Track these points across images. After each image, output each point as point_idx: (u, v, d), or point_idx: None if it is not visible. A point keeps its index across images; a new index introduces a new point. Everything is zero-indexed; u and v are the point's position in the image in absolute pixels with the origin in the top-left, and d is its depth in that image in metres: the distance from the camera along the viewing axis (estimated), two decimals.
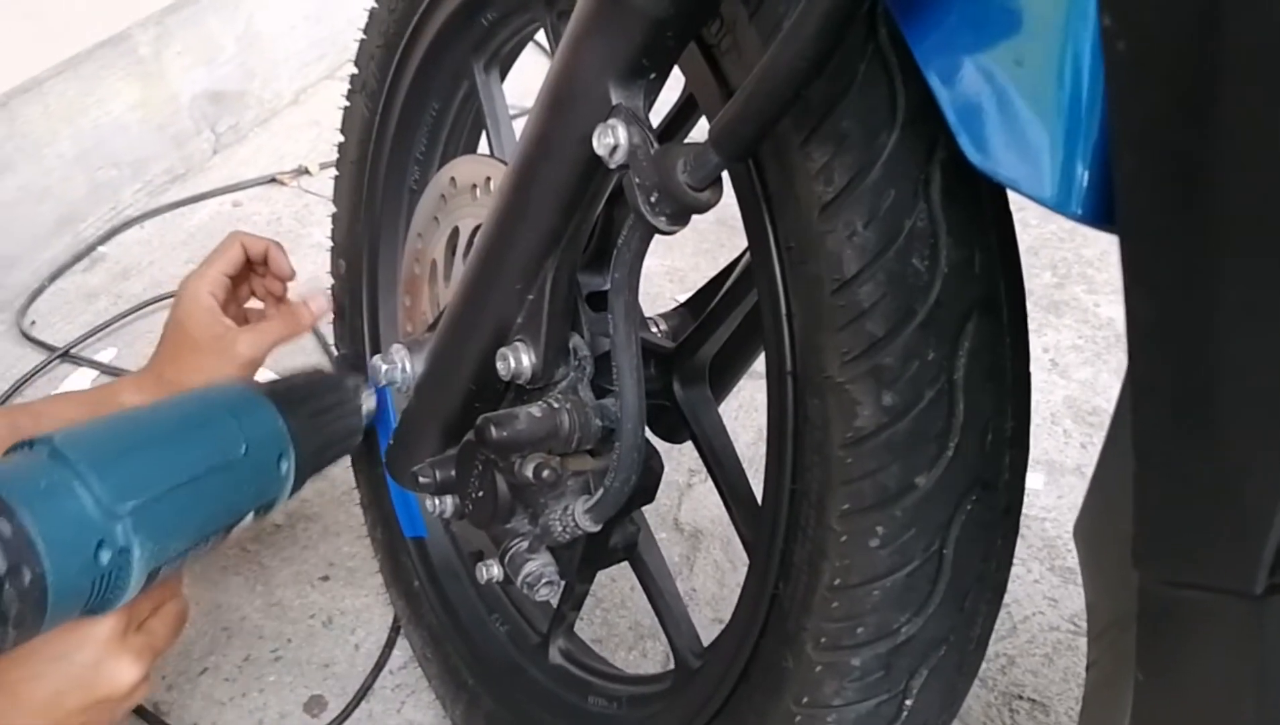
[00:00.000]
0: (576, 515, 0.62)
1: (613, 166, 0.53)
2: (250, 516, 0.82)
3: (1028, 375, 0.54)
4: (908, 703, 0.56)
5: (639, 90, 0.54)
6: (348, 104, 1.02)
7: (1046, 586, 1.15)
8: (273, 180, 1.87)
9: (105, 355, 1.50)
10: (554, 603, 0.90)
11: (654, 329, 0.82)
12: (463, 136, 1.00)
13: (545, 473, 0.62)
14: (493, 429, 0.62)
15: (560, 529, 0.63)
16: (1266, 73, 0.23)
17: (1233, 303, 0.28)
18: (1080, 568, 0.73)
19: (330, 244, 1.11)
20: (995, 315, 0.52)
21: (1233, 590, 0.34)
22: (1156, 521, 0.36)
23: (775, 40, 0.45)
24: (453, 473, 0.72)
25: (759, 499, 0.71)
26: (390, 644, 1.11)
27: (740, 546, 1.20)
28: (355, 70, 0.99)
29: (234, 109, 1.98)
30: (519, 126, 0.87)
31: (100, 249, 1.74)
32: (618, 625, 1.13)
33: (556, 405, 0.64)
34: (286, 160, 1.94)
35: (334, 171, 1.07)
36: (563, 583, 0.68)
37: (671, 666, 0.80)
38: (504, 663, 0.93)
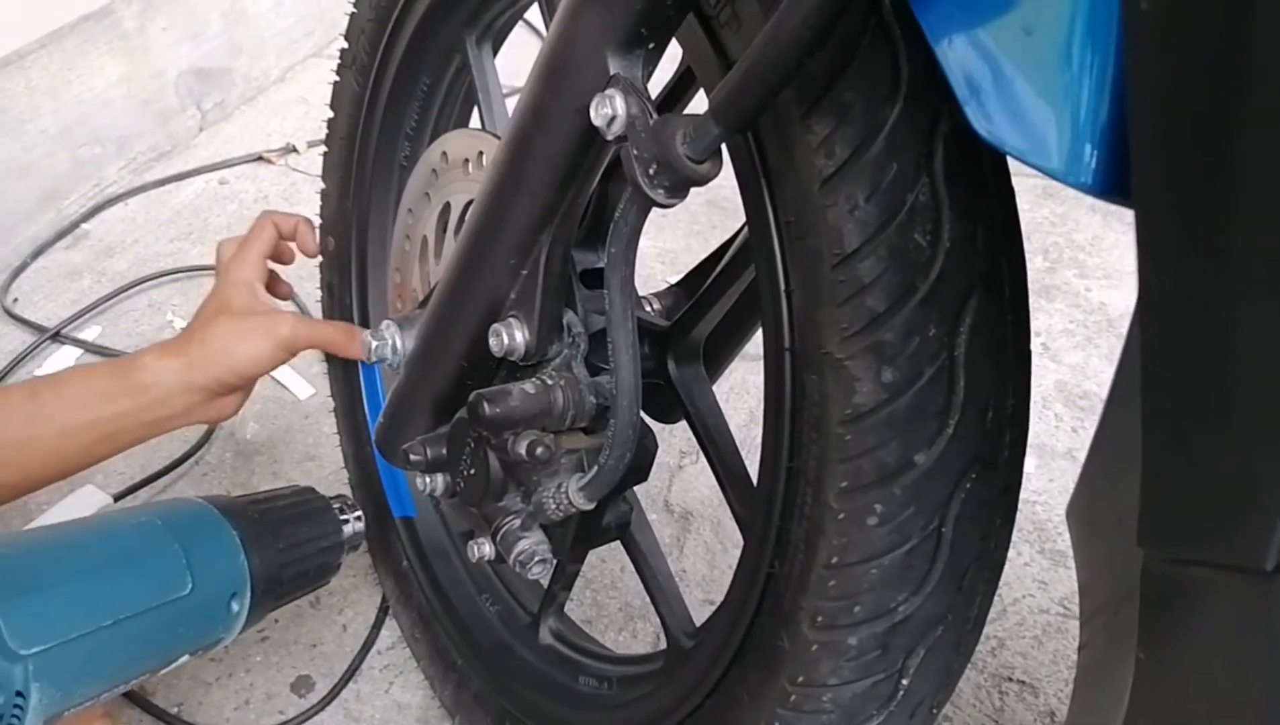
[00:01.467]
0: (570, 493, 0.62)
1: (610, 138, 0.53)
2: (185, 657, 0.74)
3: (1028, 353, 0.54)
4: (904, 682, 0.55)
5: (637, 60, 0.53)
6: (337, 79, 1.00)
7: (1037, 569, 1.15)
8: (259, 158, 1.85)
9: (89, 333, 1.49)
10: (544, 583, 0.89)
11: (648, 308, 0.81)
12: (454, 112, 0.99)
13: (539, 450, 0.61)
14: (486, 405, 0.61)
15: (554, 507, 0.63)
16: None
17: (1251, 274, 0.27)
18: (1073, 550, 0.72)
19: (319, 221, 1.09)
20: (997, 292, 0.51)
21: (1242, 567, 0.33)
22: (1164, 498, 0.36)
23: (778, 9, 0.44)
24: (444, 450, 0.71)
25: (753, 479, 0.71)
26: (378, 624, 1.10)
27: (731, 528, 1.20)
28: (345, 45, 0.98)
29: (220, 86, 1.96)
30: (511, 103, 0.86)
31: (84, 226, 1.71)
32: (608, 606, 1.13)
33: (550, 382, 0.63)
34: (274, 138, 1.92)
35: (323, 148, 1.06)
36: (555, 561, 0.68)
37: (662, 647, 0.79)
38: (494, 643, 0.92)
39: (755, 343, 0.78)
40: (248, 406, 0.99)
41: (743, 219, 0.60)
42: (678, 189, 0.51)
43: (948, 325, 0.50)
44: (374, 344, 0.76)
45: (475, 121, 0.94)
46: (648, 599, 1.13)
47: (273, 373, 1.40)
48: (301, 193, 1.77)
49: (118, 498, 1.19)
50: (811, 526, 0.55)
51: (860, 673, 0.55)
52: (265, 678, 1.05)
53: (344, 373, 1.09)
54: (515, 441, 0.62)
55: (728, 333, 0.74)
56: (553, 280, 0.64)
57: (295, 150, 1.85)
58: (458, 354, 0.70)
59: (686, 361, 0.74)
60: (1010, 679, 1.05)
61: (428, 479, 0.74)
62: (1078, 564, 0.74)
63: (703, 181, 0.51)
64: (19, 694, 0.62)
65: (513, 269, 0.64)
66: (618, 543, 0.80)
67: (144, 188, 1.79)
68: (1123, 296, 1.55)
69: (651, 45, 0.53)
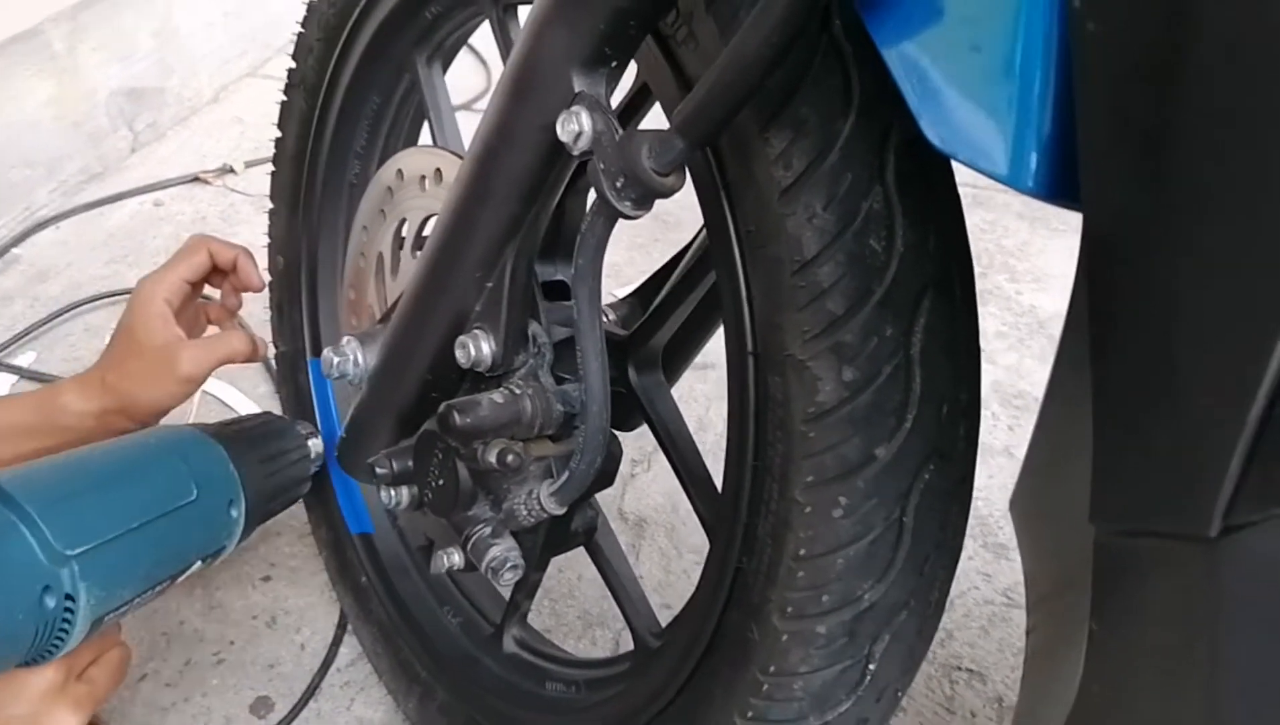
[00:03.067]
0: (542, 498, 0.63)
1: (576, 153, 0.54)
2: (198, 564, 0.80)
3: (978, 350, 0.57)
4: (871, 667, 0.58)
5: (601, 78, 0.55)
6: (285, 99, 1.01)
7: (980, 562, 1.19)
8: (195, 179, 1.83)
9: (24, 359, 1.46)
10: (508, 593, 0.90)
11: (605, 318, 0.83)
12: (403, 130, 1.00)
13: (509, 458, 0.63)
14: (456, 415, 0.62)
15: (525, 513, 0.64)
16: (1227, 51, 0.25)
17: (1192, 262, 0.30)
18: (1017, 541, 0.76)
19: (266, 241, 1.09)
20: (948, 293, 0.54)
21: (1188, 535, 0.36)
22: (1115, 474, 0.39)
23: (738, 29, 0.47)
24: (410, 463, 0.72)
25: (715, 481, 0.73)
26: (337, 642, 1.10)
27: (685, 533, 1.23)
28: (293, 65, 0.98)
29: (152, 106, 1.93)
30: (462, 119, 0.88)
31: (14, 251, 1.68)
32: (566, 615, 1.14)
33: (519, 391, 0.65)
34: (209, 159, 1.90)
35: (267, 168, 1.06)
36: (525, 567, 0.69)
37: (626, 650, 0.81)
38: (458, 654, 0.93)
39: (703, 352, 0.80)
40: None
41: (683, 232, 0.62)
42: (644, 201, 0.53)
43: (903, 325, 0.53)
44: (335, 360, 0.76)
45: (425, 139, 0.95)
46: (605, 606, 1.15)
47: (219, 396, 1.39)
48: (241, 213, 1.75)
49: None
50: (779, 521, 0.57)
51: (829, 660, 0.57)
52: (223, 700, 1.04)
53: (296, 393, 1.09)
54: (485, 450, 0.64)
55: (685, 339, 0.77)
56: (518, 292, 0.65)
57: (232, 171, 1.84)
58: (422, 367, 0.71)
59: (646, 369, 0.76)
60: (959, 668, 1.09)
61: (393, 492, 0.75)
62: (1022, 554, 0.78)
63: (668, 193, 0.53)
64: (68, 597, 0.66)
65: (478, 282, 0.65)
66: (579, 550, 0.82)
67: (76, 211, 1.76)
68: (1051, 299, 1.61)
69: (614, 64, 0.55)
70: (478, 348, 0.66)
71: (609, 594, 0.82)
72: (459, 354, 0.66)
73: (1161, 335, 0.32)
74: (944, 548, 0.57)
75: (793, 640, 0.57)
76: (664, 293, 0.75)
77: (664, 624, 0.79)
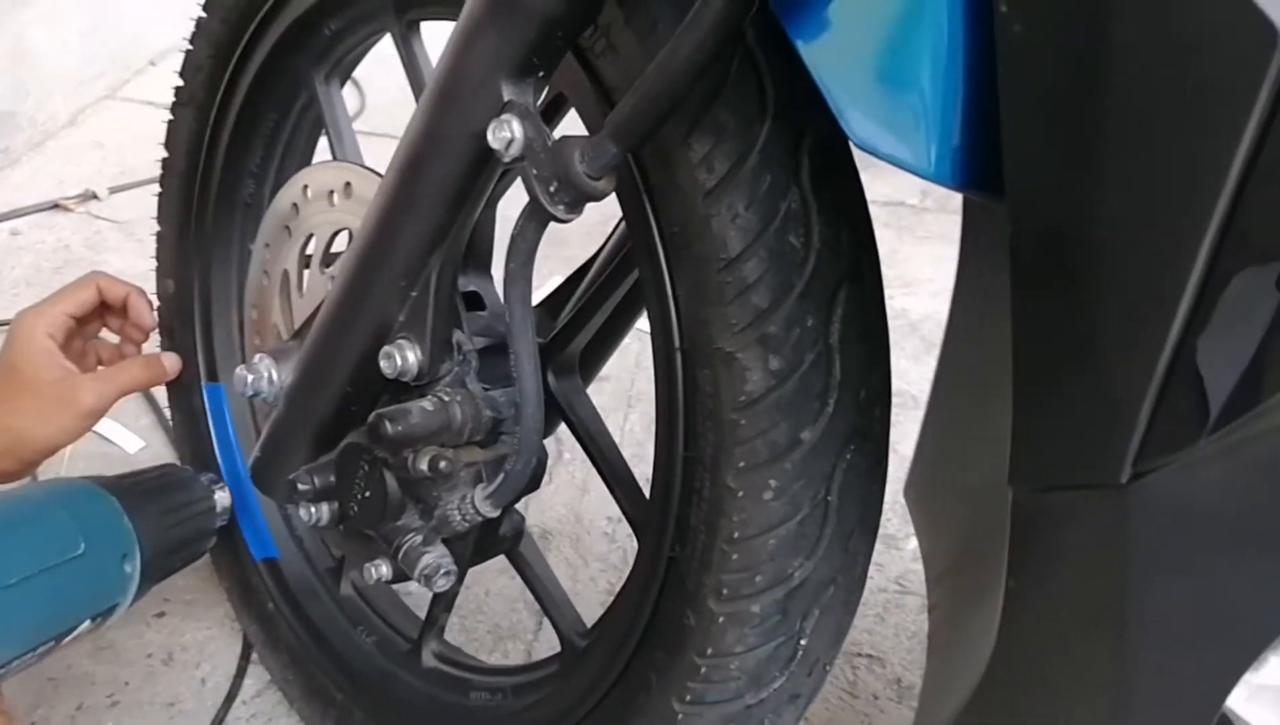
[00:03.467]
0: (476, 502, 0.64)
1: (507, 160, 0.56)
2: (86, 623, 0.77)
3: (888, 337, 0.61)
4: (803, 642, 0.61)
5: (529, 87, 0.57)
6: (172, 117, 0.99)
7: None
8: (55, 206, 1.75)
9: None
10: (423, 609, 0.90)
11: None
12: (300, 147, 0.99)
13: (441, 464, 0.64)
14: (388, 424, 0.63)
15: (459, 518, 0.65)
16: (1137, 48, 0.29)
17: (1109, 233, 0.34)
18: (913, 525, 0.81)
19: (152, 265, 1.06)
20: (861, 284, 0.58)
21: (1101, 484, 0.40)
22: (1034, 436, 0.43)
23: (658, 39, 0.50)
24: (332, 478, 0.72)
25: (637, 480, 0.75)
26: (241, 673, 1.06)
27: (590, 543, 1.24)
28: (181, 83, 0.97)
29: (4, 131, 1.84)
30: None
31: None
32: (476, 630, 1.14)
33: (447, 398, 0.66)
34: (68, 185, 1.82)
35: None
36: (457, 573, 0.70)
37: (547, 655, 0.82)
38: (374, 673, 0.92)
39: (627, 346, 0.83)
40: (73, 465, 0.96)
41: (571, 249, 0.64)
42: (576, 204, 0.55)
43: (823, 315, 0.57)
44: (249, 378, 0.75)
45: (320, 155, 0.95)
46: (514, 619, 1.16)
47: (98, 430, 1.33)
48: (108, 241, 1.68)
49: None
50: (711, 508, 0.60)
51: (764, 638, 0.60)
52: None
53: (189, 419, 1.06)
54: (416, 458, 0.64)
55: (600, 343, 0.79)
56: (443, 300, 0.66)
57: (96, 197, 1.76)
58: (343, 379, 0.71)
59: (564, 374, 0.78)
60: (859, 654, 1.14)
61: (313, 509, 0.74)
62: (919, 536, 0.83)
63: (600, 196, 0.55)
64: None
65: (402, 291, 0.66)
66: (483, 566, 0.82)
67: None
68: (920, 302, 1.69)
69: (540, 73, 0.57)
70: (403, 357, 0.66)
71: (516, 608, 0.83)
72: (384, 364, 0.67)
73: (1079, 302, 0.37)
74: (866, 524, 0.61)
75: (729, 622, 0.60)
76: (579, 299, 0.77)
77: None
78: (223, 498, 0.93)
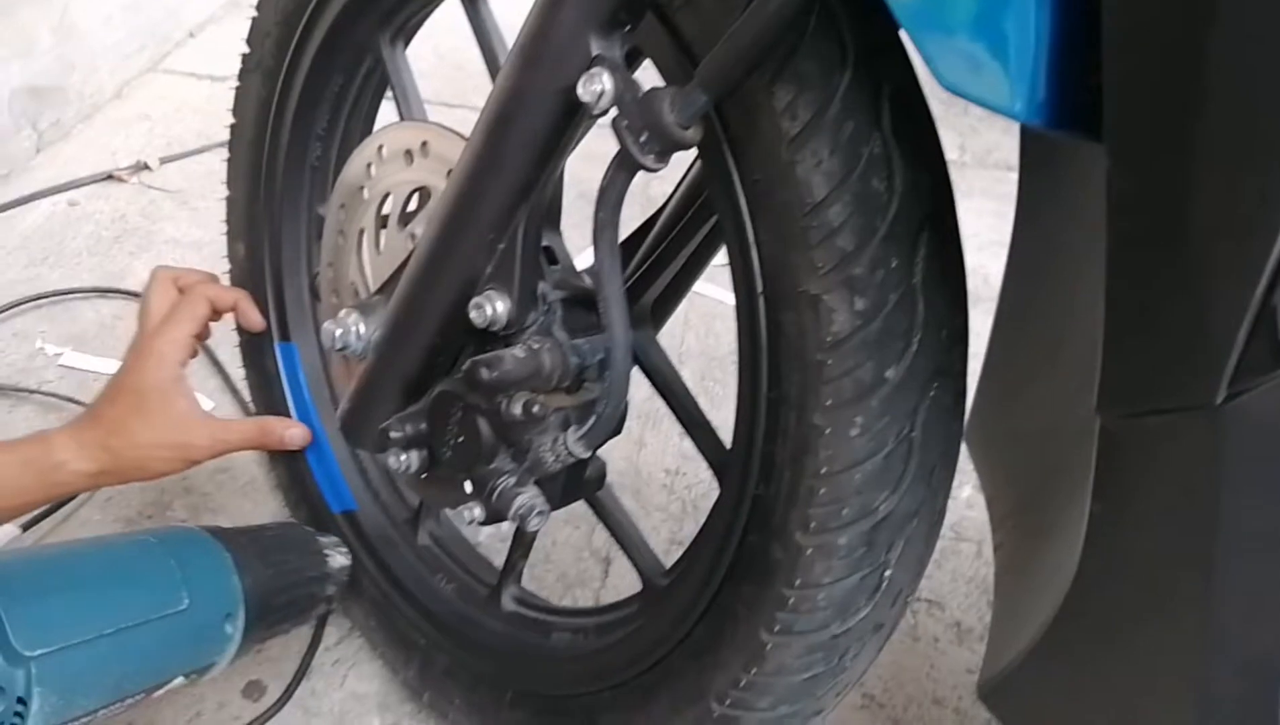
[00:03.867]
0: (569, 444, 0.67)
1: (597, 112, 0.58)
2: (179, 679, 0.75)
3: (965, 279, 0.63)
4: (888, 573, 0.64)
5: (616, 41, 0.59)
6: (240, 84, 1.01)
7: None
8: (110, 177, 1.79)
9: None
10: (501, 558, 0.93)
11: (586, 282, 0.87)
12: (365, 110, 1.01)
13: (535, 408, 0.66)
14: (484, 371, 0.65)
15: (552, 459, 0.68)
16: None
17: (1208, 170, 0.36)
18: (975, 468, 0.83)
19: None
20: (941, 227, 0.60)
21: (1195, 405, 0.42)
22: (1124, 361, 0.44)
23: None
24: (424, 425, 0.75)
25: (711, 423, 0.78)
26: (323, 621, 1.11)
27: (649, 494, 1.27)
28: (248, 50, 0.99)
29: (55, 104, 1.87)
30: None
31: None
32: (545, 578, 1.18)
33: (537, 346, 0.68)
34: (120, 156, 1.85)
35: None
36: (550, 512, 0.72)
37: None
38: (455, 618, 0.96)
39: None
40: None
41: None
42: (665, 153, 0.58)
43: (907, 257, 0.59)
44: (337, 332, 0.78)
45: (383, 119, 0.97)
46: (581, 568, 1.19)
47: None
48: (162, 210, 1.72)
49: (25, 527, 1.15)
50: (797, 445, 0.62)
51: (850, 569, 0.63)
52: (214, 688, 1.04)
53: (263, 380, 1.10)
54: (510, 403, 0.67)
55: (671, 293, 0.81)
56: (530, 251, 0.69)
57: (148, 167, 1.80)
58: (432, 331, 0.73)
59: (638, 324, 0.80)
60: (919, 598, 1.16)
61: (403, 457, 0.77)
62: (981, 479, 0.85)
63: (689, 145, 0.57)
64: (20, 700, 0.62)
65: (490, 243, 0.68)
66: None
67: None
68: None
69: (627, 27, 0.59)
70: (493, 307, 0.69)
71: (583, 556, 0.85)
72: (474, 315, 0.69)
73: (1179, 229, 0.38)
74: (947, 459, 0.63)
75: (816, 554, 0.63)
76: (651, 250, 0.80)
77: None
78: (340, 561, 0.91)
